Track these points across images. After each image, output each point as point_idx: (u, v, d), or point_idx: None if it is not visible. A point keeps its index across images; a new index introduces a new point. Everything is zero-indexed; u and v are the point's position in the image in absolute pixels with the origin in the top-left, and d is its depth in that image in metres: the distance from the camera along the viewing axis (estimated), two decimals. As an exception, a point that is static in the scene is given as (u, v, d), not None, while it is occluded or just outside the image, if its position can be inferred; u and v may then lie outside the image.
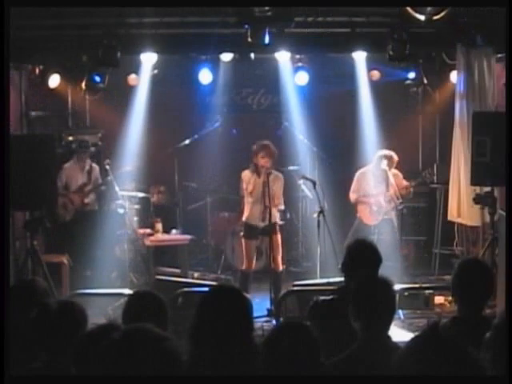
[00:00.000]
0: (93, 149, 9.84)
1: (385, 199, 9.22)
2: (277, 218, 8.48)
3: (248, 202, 8.52)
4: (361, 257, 4.41)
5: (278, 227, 8.47)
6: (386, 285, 3.51)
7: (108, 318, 6.63)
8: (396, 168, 9.35)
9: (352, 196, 9.39)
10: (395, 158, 9.20)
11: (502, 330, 2.63)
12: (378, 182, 9.24)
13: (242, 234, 8.67)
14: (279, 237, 8.47)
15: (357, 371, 3.19)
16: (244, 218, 8.61)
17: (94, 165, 9.69)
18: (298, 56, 9.85)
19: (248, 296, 3.31)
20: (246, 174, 8.43)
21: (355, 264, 4.39)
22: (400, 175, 9.37)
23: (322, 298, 4.36)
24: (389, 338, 3.40)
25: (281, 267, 8.47)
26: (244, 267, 8.53)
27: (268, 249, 8.37)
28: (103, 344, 2.08)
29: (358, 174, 9.42)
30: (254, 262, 8.58)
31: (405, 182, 9.34)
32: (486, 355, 2.31)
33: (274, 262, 8.27)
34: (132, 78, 10.11)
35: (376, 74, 10.25)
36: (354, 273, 4.32)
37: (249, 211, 8.49)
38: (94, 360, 2.16)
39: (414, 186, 9.46)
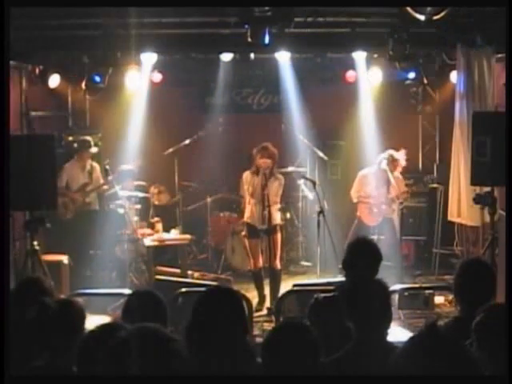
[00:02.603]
0: (95, 149, 9.81)
1: (386, 201, 9.23)
2: (277, 219, 8.51)
3: (248, 203, 8.57)
4: (361, 254, 4.43)
5: (278, 227, 8.50)
6: (380, 285, 3.51)
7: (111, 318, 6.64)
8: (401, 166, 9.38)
9: (353, 195, 9.40)
10: (398, 159, 9.19)
11: (482, 333, 2.66)
12: (379, 184, 9.25)
13: (243, 234, 8.71)
14: (279, 236, 8.49)
15: (351, 370, 3.19)
16: (245, 219, 8.65)
17: (95, 164, 9.69)
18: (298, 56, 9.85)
19: (249, 297, 3.31)
20: (247, 176, 8.47)
21: (356, 261, 4.41)
22: (402, 180, 9.39)
23: (323, 295, 4.37)
24: (384, 337, 3.38)
25: (279, 265, 8.47)
26: (252, 267, 8.57)
27: (267, 248, 8.38)
28: (111, 342, 2.07)
29: (359, 175, 9.42)
30: (261, 260, 8.59)
31: (404, 188, 9.35)
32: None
33: (272, 260, 8.30)
34: (132, 77, 10.07)
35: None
36: (354, 270, 4.33)
37: (249, 212, 8.53)
38: (100, 358, 2.15)
39: (414, 188, 9.48)
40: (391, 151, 9.22)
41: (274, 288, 8.18)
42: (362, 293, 3.45)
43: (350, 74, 10.29)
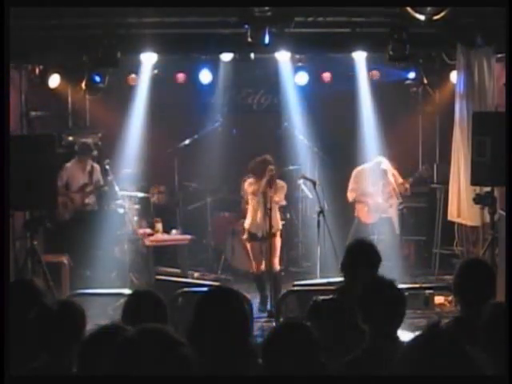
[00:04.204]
0: (95, 152, 9.78)
1: (382, 197, 9.25)
2: (278, 224, 8.53)
3: (249, 210, 8.60)
4: (360, 256, 4.43)
5: (278, 232, 8.53)
6: (393, 286, 3.51)
7: (111, 318, 6.62)
8: (393, 166, 9.42)
9: (350, 195, 9.41)
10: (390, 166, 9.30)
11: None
12: (375, 180, 9.27)
13: (244, 237, 8.72)
14: (278, 240, 8.54)
15: (366, 372, 3.18)
16: (246, 225, 8.66)
17: (95, 165, 9.67)
18: (298, 56, 9.85)
19: (249, 297, 3.31)
20: (247, 184, 8.50)
21: (354, 264, 4.41)
22: (396, 173, 9.41)
23: (322, 297, 4.37)
24: (397, 338, 3.40)
25: (278, 267, 8.47)
26: (254, 270, 8.58)
27: (267, 251, 8.39)
28: (116, 342, 2.06)
29: (354, 172, 9.45)
30: (263, 262, 8.57)
31: (400, 179, 9.38)
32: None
33: (271, 263, 8.31)
34: (132, 77, 10.09)
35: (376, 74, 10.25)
36: (353, 273, 4.34)
37: (250, 219, 8.57)
38: (103, 359, 2.14)
39: (411, 183, 9.50)
40: (383, 158, 9.29)
41: (275, 290, 8.19)
42: (376, 294, 3.45)
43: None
